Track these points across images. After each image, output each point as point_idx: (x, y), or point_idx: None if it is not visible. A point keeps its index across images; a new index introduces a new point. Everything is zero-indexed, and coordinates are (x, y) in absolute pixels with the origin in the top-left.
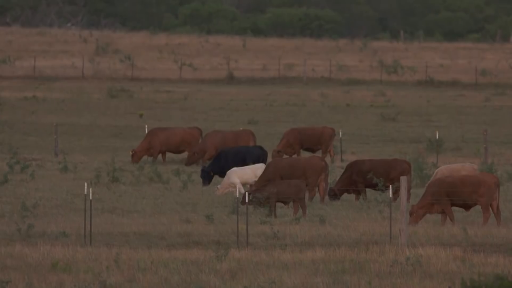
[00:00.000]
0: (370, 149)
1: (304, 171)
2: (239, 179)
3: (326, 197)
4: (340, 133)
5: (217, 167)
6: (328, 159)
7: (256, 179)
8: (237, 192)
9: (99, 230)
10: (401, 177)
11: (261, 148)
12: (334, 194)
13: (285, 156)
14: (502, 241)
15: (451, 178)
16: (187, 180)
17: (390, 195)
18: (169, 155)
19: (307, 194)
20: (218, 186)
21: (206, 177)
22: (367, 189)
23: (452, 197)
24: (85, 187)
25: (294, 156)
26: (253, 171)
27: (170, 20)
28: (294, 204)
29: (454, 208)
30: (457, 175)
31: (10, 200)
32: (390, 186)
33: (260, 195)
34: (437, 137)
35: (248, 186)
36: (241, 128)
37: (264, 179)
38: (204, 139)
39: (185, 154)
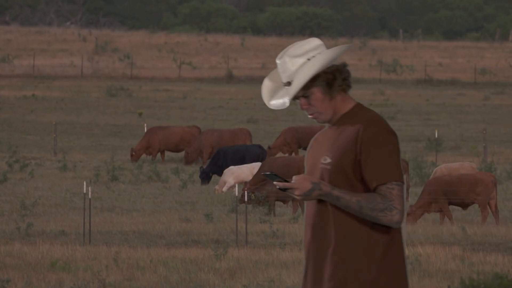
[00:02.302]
0: None
1: (299, 170)
2: (236, 178)
3: None
4: None
5: (216, 166)
6: None
7: None
8: (226, 188)
9: (98, 229)
10: None
11: (260, 146)
12: None
13: (281, 154)
14: (501, 240)
15: (448, 177)
16: (186, 179)
17: None
18: (168, 153)
19: None
20: (216, 187)
21: (205, 177)
22: None
23: (449, 196)
24: (84, 186)
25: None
26: (250, 169)
27: (169, 19)
28: (293, 203)
29: (452, 207)
30: (454, 173)
31: (9, 198)
32: None
33: (260, 193)
34: (436, 136)
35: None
36: (240, 127)
37: (259, 178)
38: (199, 138)
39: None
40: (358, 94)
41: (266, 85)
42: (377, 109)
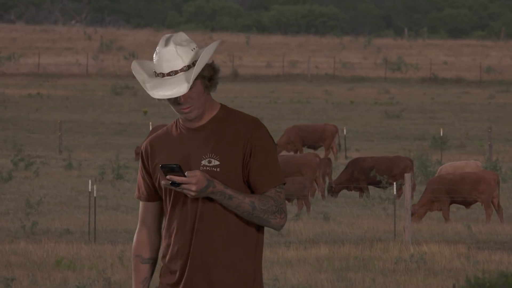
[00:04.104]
0: (374, 147)
1: (299, 168)
2: None
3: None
4: (344, 130)
5: None
6: (331, 156)
7: None
8: None
9: (103, 227)
10: (406, 175)
11: None
12: (333, 191)
13: (285, 153)
14: (506, 238)
15: (451, 175)
16: None
17: (395, 192)
18: None
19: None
20: None
21: None
22: (371, 186)
23: (452, 194)
24: (89, 184)
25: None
26: None
27: (174, 18)
28: (298, 201)
29: (456, 205)
30: (457, 172)
31: (15, 197)
32: (395, 183)
33: None
34: (441, 134)
35: None
36: None
37: None
38: None
39: None
40: (363, 92)
41: (143, 80)
42: (382, 107)
